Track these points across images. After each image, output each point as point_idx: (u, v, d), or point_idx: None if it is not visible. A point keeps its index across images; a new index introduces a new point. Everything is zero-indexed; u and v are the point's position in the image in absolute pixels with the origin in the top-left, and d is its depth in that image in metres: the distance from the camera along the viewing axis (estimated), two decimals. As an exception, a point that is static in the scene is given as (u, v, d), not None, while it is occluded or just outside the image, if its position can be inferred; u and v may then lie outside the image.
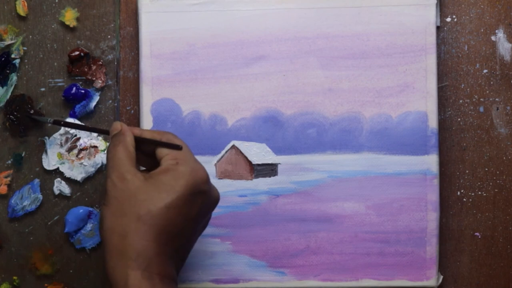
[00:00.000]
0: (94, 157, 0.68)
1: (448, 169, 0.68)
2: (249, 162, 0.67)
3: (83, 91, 0.68)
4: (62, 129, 0.68)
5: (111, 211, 0.55)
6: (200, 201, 0.55)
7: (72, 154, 0.68)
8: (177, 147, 0.56)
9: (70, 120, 0.68)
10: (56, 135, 0.68)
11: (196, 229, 0.58)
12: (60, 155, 0.68)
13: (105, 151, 0.68)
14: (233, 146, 0.67)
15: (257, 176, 0.67)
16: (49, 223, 0.69)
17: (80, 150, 0.68)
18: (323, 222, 0.67)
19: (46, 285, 0.69)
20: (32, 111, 0.67)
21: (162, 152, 0.57)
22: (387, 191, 0.66)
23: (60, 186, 0.68)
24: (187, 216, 0.55)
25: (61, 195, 0.69)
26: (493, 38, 0.68)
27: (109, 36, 0.69)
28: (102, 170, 0.69)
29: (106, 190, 0.55)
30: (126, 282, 0.53)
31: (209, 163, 0.66)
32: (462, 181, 0.68)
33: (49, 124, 0.67)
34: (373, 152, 0.66)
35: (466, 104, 0.68)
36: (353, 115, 0.66)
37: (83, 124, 0.67)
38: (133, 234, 0.53)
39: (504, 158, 0.68)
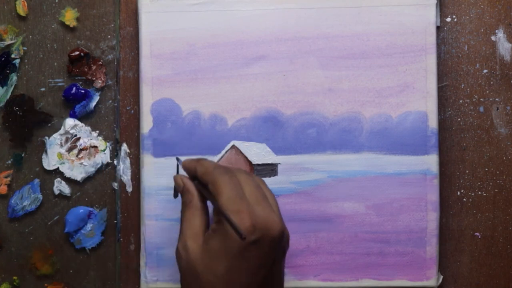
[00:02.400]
0: (94, 157, 0.68)
1: (448, 169, 0.68)
2: (249, 162, 0.67)
3: (83, 91, 0.68)
4: (62, 129, 0.68)
5: (182, 280, 0.55)
6: (257, 250, 0.53)
7: (72, 154, 0.68)
8: (240, 235, 0.52)
9: (70, 120, 0.68)
10: (56, 135, 0.68)
11: (275, 270, 0.55)
12: (60, 155, 0.68)
13: (105, 152, 0.68)
14: (233, 146, 0.67)
15: (257, 176, 0.67)
16: (49, 223, 0.69)
17: (80, 150, 0.68)
18: (323, 222, 0.67)
19: (46, 285, 0.69)
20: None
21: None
22: (387, 191, 0.66)
23: (60, 186, 0.68)
24: (253, 270, 0.53)
25: (61, 195, 0.69)
26: (493, 38, 0.68)
27: (109, 36, 0.69)
28: (102, 170, 0.69)
29: (176, 259, 0.56)
30: None
31: (209, 163, 0.66)
32: (462, 181, 0.68)
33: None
34: (373, 152, 0.66)
35: (466, 104, 0.68)
36: (353, 115, 0.66)
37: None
38: None
39: (504, 158, 0.68)
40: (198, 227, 0.56)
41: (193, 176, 0.58)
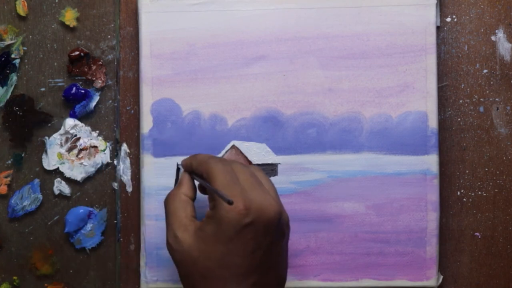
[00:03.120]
0: (94, 157, 0.68)
1: (448, 169, 0.68)
2: (249, 162, 0.67)
3: (83, 91, 0.68)
4: (62, 129, 0.68)
5: (180, 273, 0.56)
6: (252, 233, 0.53)
7: (72, 154, 0.68)
8: (228, 201, 0.53)
9: (70, 120, 0.68)
10: (56, 135, 0.68)
11: (273, 253, 0.56)
12: (60, 155, 0.68)
13: (105, 152, 0.68)
14: (233, 146, 0.67)
15: (257, 176, 0.67)
16: (49, 223, 0.69)
17: (80, 150, 0.68)
18: (323, 222, 0.67)
19: (46, 285, 0.69)
20: None
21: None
22: (387, 191, 0.66)
23: (60, 186, 0.68)
24: (249, 252, 0.54)
25: (61, 195, 0.69)
26: (493, 38, 0.68)
27: (109, 36, 0.69)
28: (102, 170, 0.69)
29: (170, 254, 0.57)
30: None
31: (209, 163, 0.66)
32: (462, 181, 0.68)
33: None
34: (373, 152, 0.66)
35: (466, 104, 0.68)
36: (353, 115, 0.66)
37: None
38: None
39: (504, 158, 0.68)
40: (185, 218, 0.56)
41: (190, 171, 0.60)
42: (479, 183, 0.68)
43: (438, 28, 0.67)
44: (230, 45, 0.66)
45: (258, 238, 0.54)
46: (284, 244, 0.58)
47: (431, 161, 0.66)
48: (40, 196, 0.68)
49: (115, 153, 0.69)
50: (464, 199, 0.68)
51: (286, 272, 0.59)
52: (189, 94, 0.66)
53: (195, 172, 0.58)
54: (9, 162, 0.69)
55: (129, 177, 0.68)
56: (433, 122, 0.66)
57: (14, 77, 0.68)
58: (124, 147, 0.68)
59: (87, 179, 0.69)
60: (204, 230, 0.54)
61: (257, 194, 0.55)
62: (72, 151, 0.68)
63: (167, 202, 0.58)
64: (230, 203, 0.52)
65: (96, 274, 0.69)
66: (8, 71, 0.68)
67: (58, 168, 0.68)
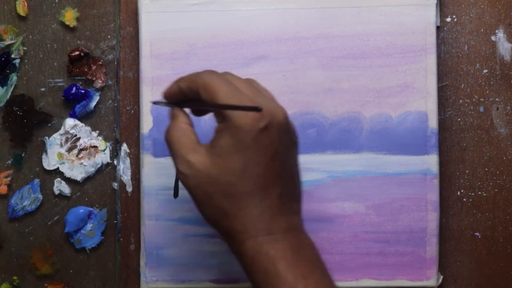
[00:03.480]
0: (94, 157, 0.68)
1: (448, 169, 0.68)
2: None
3: (83, 91, 0.68)
4: (62, 129, 0.68)
5: (197, 200, 0.53)
6: (268, 138, 0.51)
7: (72, 154, 0.68)
8: (255, 109, 0.50)
9: (70, 120, 0.68)
10: (56, 135, 0.68)
11: (289, 162, 0.54)
12: (60, 155, 0.68)
13: (105, 152, 0.68)
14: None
15: (257, 176, 0.67)
16: (49, 223, 0.69)
17: (80, 150, 0.68)
18: (323, 222, 0.67)
19: (46, 285, 0.69)
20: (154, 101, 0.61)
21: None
22: (387, 191, 0.66)
23: (60, 186, 0.68)
24: (269, 159, 0.51)
25: (61, 195, 0.69)
26: (493, 38, 0.68)
27: (109, 36, 0.69)
28: (102, 170, 0.69)
29: (183, 184, 0.53)
30: (254, 254, 0.52)
31: (209, 163, 0.66)
32: (462, 181, 0.68)
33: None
34: (373, 152, 0.66)
35: (466, 104, 0.68)
36: (353, 115, 0.66)
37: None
38: (232, 211, 0.52)
39: (504, 158, 0.68)
40: (191, 143, 0.54)
41: (179, 101, 0.56)
42: (479, 183, 0.68)
43: (438, 28, 0.67)
44: (230, 45, 0.66)
45: (274, 143, 0.52)
46: (298, 157, 0.56)
47: (431, 161, 0.66)
48: (40, 196, 0.68)
49: (115, 153, 0.69)
50: (464, 199, 0.68)
51: (302, 190, 0.57)
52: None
53: (188, 94, 0.55)
54: (9, 162, 0.69)
55: (129, 177, 0.68)
56: (433, 122, 0.66)
57: (14, 77, 0.68)
58: (124, 147, 0.68)
59: (87, 179, 0.69)
60: (218, 144, 0.52)
61: (263, 100, 0.52)
62: (72, 151, 0.68)
63: (167, 135, 0.55)
64: (259, 110, 0.50)
65: (96, 274, 0.69)
66: (8, 71, 0.68)
67: (58, 168, 0.68)
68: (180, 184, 0.56)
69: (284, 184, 0.53)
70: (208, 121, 0.66)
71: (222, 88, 0.52)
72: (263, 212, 0.52)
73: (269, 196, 0.52)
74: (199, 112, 0.58)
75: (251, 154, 0.51)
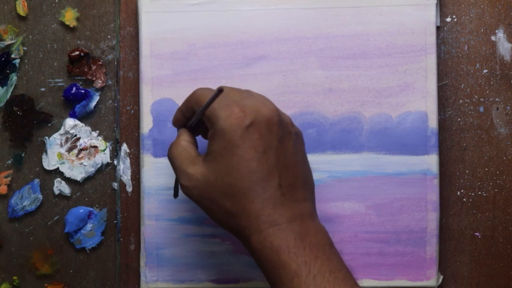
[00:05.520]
0: (94, 157, 0.68)
1: (448, 169, 0.68)
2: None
3: (83, 91, 0.68)
4: (62, 129, 0.68)
5: (206, 211, 0.56)
6: (256, 133, 0.53)
7: (72, 154, 0.68)
8: (216, 93, 0.53)
9: (70, 120, 0.68)
10: (56, 135, 0.68)
11: (287, 153, 0.55)
12: (60, 155, 0.68)
13: (105, 152, 0.68)
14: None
15: (257, 176, 0.67)
16: (49, 223, 0.69)
17: (80, 150, 0.68)
18: (323, 222, 0.66)
19: (46, 285, 0.69)
20: None
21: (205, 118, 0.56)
22: (387, 191, 0.66)
23: (60, 186, 0.68)
24: (261, 153, 0.53)
25: (61, 195, 0.69)
26: (493, 38, 0.68)
27: (109, 36, 0.69)
28: (102, 170, 0.69)
29: (189, 197, 0.56)
30: (261, 248, 0.53)
31: (209, 163, 0.66)
32: (462, 181, 0.68)
33: None
34: (373, 152, 0.66)
35: (466, 104, 0.68)
36: (353, 115, 0.66)
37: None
38: (236, 210, 0.53)
39: (504, 158, 0.68)
40: (190, 156, 0.56)
41: (185, 122, 0.59)
42: (479, 183, 0.68)
43: (438, 28, 0.67)
44: (230, 45, 0.66)
45: (264, 137, 0.53)
46: (299, 146, 0.57)
47: (431, 161, 0.66)
48: (40, 196, 0.69)
49: (115, 153, 0.69)
50: (464, 199, 0.68)
51: (312, 177, 0.58)
52: (189, 94, 0.66)
53: (189, 113, 0.58)
54: (9, 162, 0.69)
55: (129, 177, 0.68)
56: (433, 122, 0.66)
57: (14, 77, 0.68)
58: (124, 147, 0.68)
59: (87, 179, 0.69)
60: (211, 150, 0.54)
61: (249, 100, 0.55)
62: (72, 151, 0.68)
63: (169, 152, 0.58)
64: (220, 90, 0.53)
65: (96, 274, 0.69)
66: (8, 71, 0.68)
67: (58, 168, 0.68)
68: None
69: (282, 175, 0.54)
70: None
71: (208, 95, 0.55)
72: (265, 205, 0.53)
73: (267, 189, 0.53)
74: (205, 133, 0.60)
75: (242, 152, 0.53)
